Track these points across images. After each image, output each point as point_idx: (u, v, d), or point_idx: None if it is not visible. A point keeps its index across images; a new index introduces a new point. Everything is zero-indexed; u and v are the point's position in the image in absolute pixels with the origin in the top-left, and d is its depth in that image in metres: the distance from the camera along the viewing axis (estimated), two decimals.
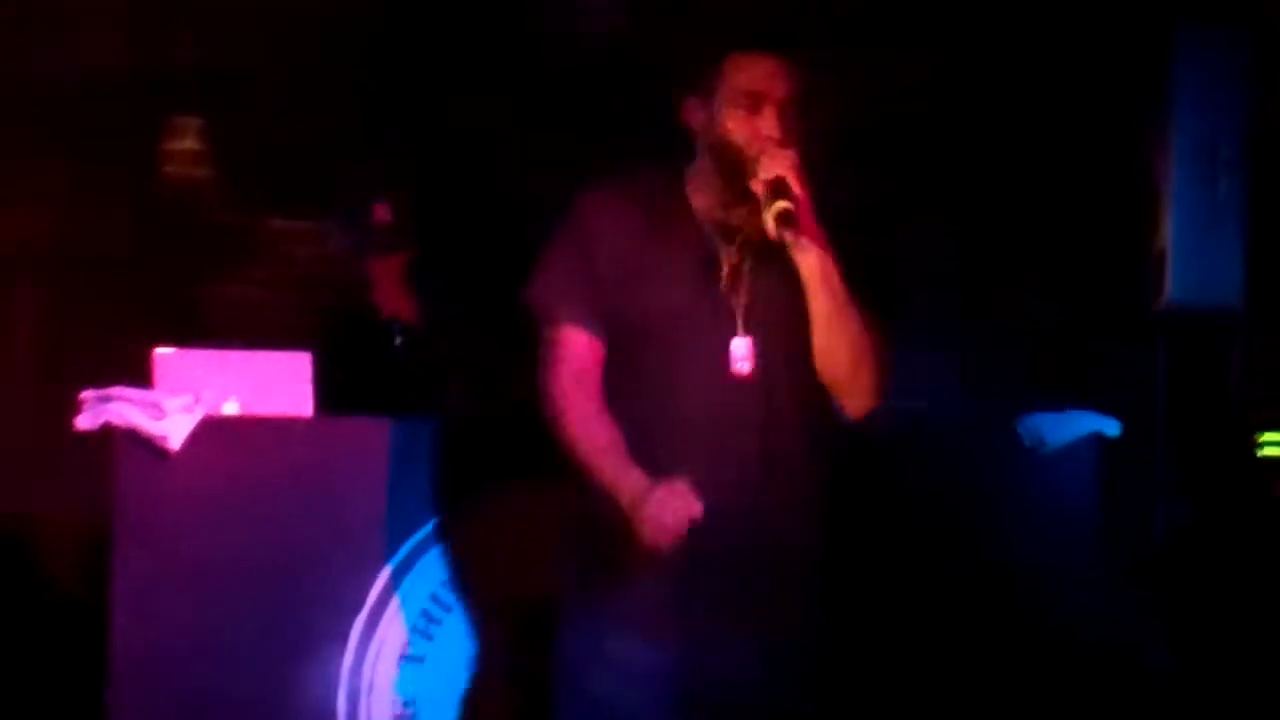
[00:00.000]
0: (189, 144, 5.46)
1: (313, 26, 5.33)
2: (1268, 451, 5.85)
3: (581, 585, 3.33)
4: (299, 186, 5.45)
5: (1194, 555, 5.01)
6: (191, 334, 4.72)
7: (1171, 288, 4.91)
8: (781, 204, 3.11)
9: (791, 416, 3.28)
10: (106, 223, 5.23)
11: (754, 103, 3.21)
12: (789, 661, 3.31)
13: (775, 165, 3.14)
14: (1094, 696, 4.39)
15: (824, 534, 3.36)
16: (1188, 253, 4.93)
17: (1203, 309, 4.91)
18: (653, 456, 3.20)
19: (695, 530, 3.11)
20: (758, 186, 3.15)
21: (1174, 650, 4.92)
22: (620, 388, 3.28)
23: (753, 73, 3.22)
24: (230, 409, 4.17)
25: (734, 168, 3.22)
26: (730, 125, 3.23)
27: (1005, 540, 4.41)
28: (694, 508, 3.08)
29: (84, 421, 3.97)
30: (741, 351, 3.24)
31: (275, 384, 4.26)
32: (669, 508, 3.08)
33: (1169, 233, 4.95)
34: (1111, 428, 4.48)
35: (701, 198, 3.31)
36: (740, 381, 3.24)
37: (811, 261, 3.18)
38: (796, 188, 3.13)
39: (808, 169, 3.18)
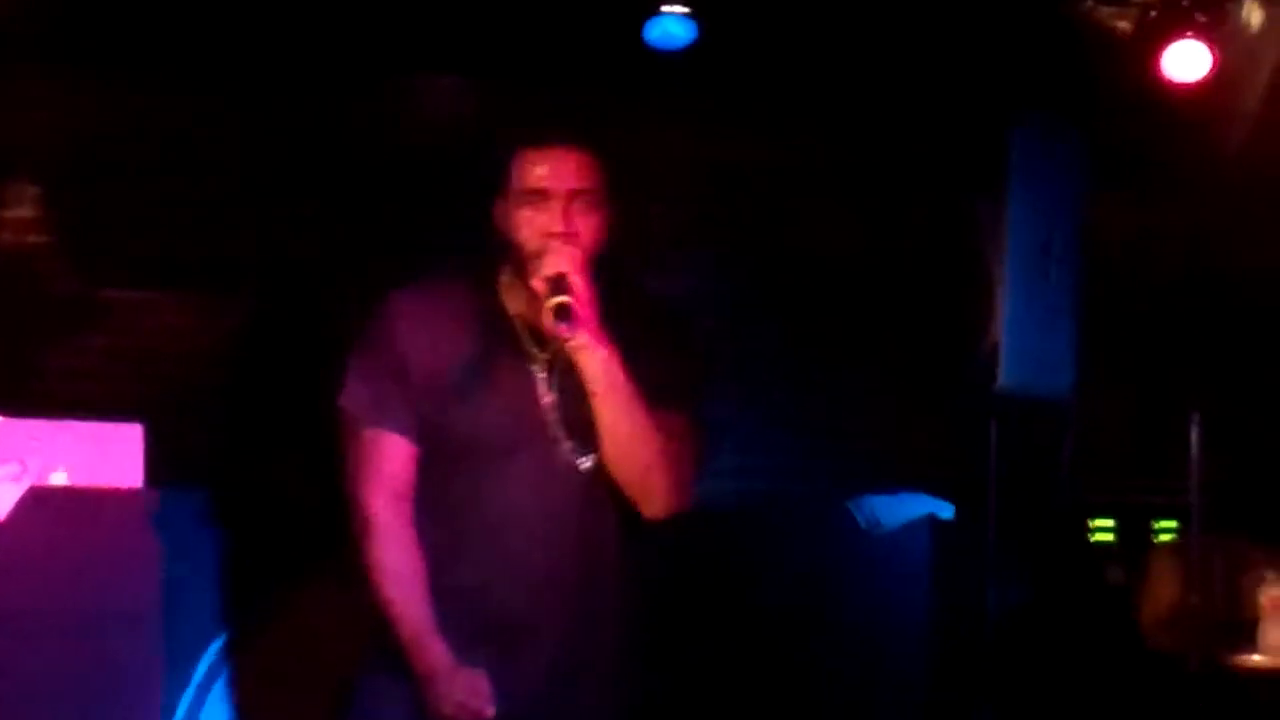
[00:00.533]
0: (25, 211, 5.39)
1: (154, 98, 5.31)
2: (1099, 538, 5.95)
3: (378, 670, 3.17)
4: (137, 257, 5.40)
5: (1025, 639, 5.07)
6: (23, 403, 4.64)
7: (1004, 375, 4.99)
8: (557, 299, 3.00)
9: (608, 516, 3.16)
10: None
11: (538, 198, 3.10)
12: None
13: (556, 261, 3.03)
14: None
15: (641, 626, 3.25)
16: (1020, 341, 4.99)
17: (1034, 396, 4.99)
18: (465, 563, 3.11)
19: (508, 635, 3.08)
20: (538, 284, 3.03)
21: None
22: (434, 494, 3.15)
23: (536, 167, 3.11)
24: (58, 479, 4.12)
25: (523, 267, 3.10)
26: (516, 223, 3.11)
27: (838, 618, 4.45)
28: (486, 710, 3.01)
29: None
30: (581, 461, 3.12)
31: (105, 455, 4.21)
32: (463, 708, 3.01)
33: (1002, 320, 5.03)
34: (945, 510, 4.54)
35: (514, 299, 3.18)
36: (554, 486, 3.12)
37: (592, 361, 3.05)
38: (577, 284, 3.01)
39: (613, 263, 3.11)
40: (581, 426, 3.12)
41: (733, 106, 5.50)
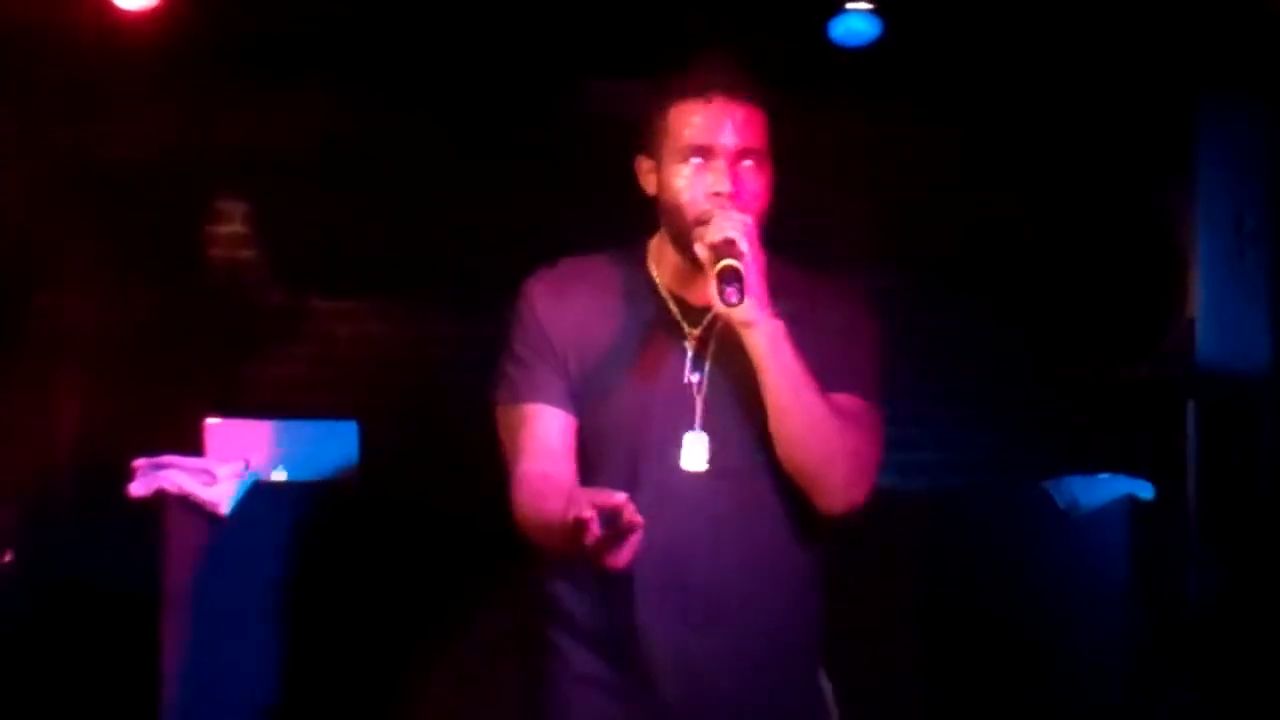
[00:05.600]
0: (235, 227, 5.59)
1: (353, 113, 5.46)
2: None
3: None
4: (339, 267, 5.57)
5: (1227, 623, 5.02)
6: (241, 408, 4.81)
7: (1201, 353, 4.98)
8: (725, 262, 2.70)
9: (771, 509, 2.87)
10: (155, 303, 5.36)
11: (702, 156, 2.81)
12: None
13: (724, 225, 2.73)
14: None
15: (819, 623, 2.97)
16: (1217, 319, 4.98)
17: (1233, 374, 4.96)
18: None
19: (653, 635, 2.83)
20: (703, 251, 2.74)
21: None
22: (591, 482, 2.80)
23: (697, 122, 2.81)
24: (279, 476, 4.25)
25: (683, 233, 2.82)
26: (676, 184, 2.82)
27: (1036, 603, 4.45)
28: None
29: (137, 488, 4.05)
30: (695, 448, 2.83)
31: (321, 451, 4.34)
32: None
33: (1198, 299, 5.02)
34: (1144, 490, 4.51)
35: (664, 271, 2.92)
36: (702, 478, 2.83)
37: (760, 336, 2.75)
38: (747, 251, 2.72)
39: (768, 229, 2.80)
40: (730, 414, 2.85)
41: (915, 94, 5.51)
